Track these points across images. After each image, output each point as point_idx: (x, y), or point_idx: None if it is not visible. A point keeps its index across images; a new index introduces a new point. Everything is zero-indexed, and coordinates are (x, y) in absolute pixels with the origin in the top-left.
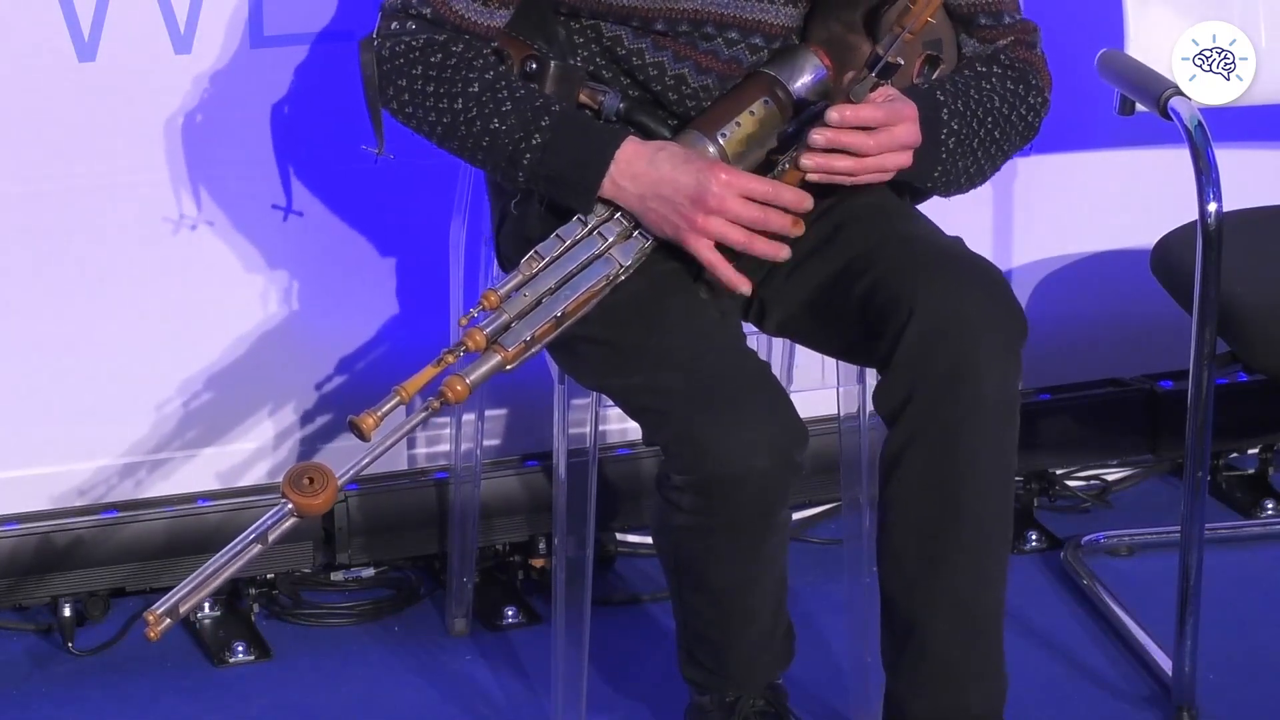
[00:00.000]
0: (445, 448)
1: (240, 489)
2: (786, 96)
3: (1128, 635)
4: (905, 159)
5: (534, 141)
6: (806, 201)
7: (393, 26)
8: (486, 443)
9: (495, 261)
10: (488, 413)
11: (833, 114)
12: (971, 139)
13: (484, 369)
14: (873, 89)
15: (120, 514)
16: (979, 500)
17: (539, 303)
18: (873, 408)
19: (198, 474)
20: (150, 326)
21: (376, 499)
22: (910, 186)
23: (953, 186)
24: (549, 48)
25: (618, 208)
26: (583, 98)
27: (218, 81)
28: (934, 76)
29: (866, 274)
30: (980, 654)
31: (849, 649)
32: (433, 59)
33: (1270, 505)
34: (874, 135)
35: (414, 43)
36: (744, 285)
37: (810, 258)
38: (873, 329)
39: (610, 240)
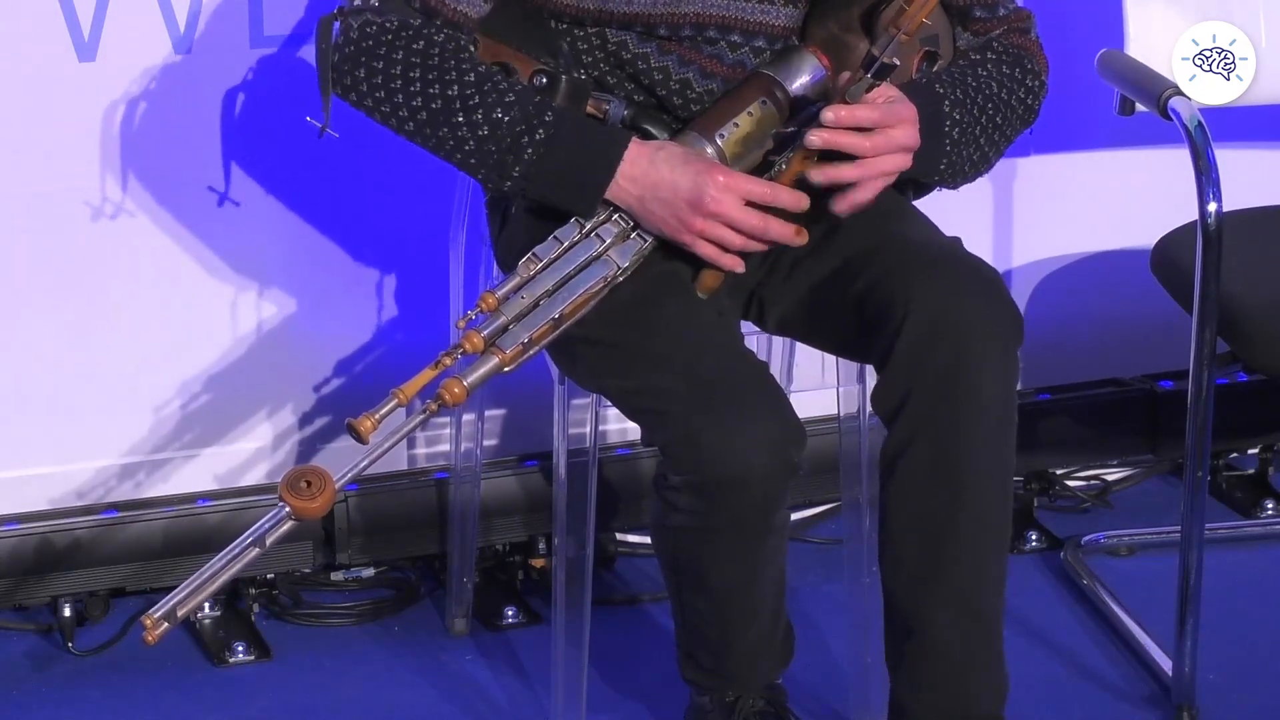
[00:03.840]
0: (445, 448)
1: (240, 489)
2: (785, 97)
3: (1128, 635)
4: (905, 161)
5: (537, 136)
6: (803, 201)
7: (356, 3)
8: (486, 443)
9: (495, 263)
10: (487, 413)
11: (827, 114)
12: (974, 127)
13: (481, 371)
14: (869, 90)
15: (120, 514)
16: (978, 499)
17: (537, 305)
18: (871, 408)
19: (197, 474)
20: (150, 327)
21: (376, 499)
22: (913, 180)
23: (958, 177)
24: (555, 63)
25: (615, 208)
26: (589, 108)
27: (218, 81)
28: (932, 71)
29: (863, 273)
30: (982, 651)
31: (849, 649)
32: (415, 45)
33: (1270, 505)
34: (870, 137)
35: (387, 24)
36: (738, 264)
37: (808, 256)
38: (869, 328)
39: (608, 242)
